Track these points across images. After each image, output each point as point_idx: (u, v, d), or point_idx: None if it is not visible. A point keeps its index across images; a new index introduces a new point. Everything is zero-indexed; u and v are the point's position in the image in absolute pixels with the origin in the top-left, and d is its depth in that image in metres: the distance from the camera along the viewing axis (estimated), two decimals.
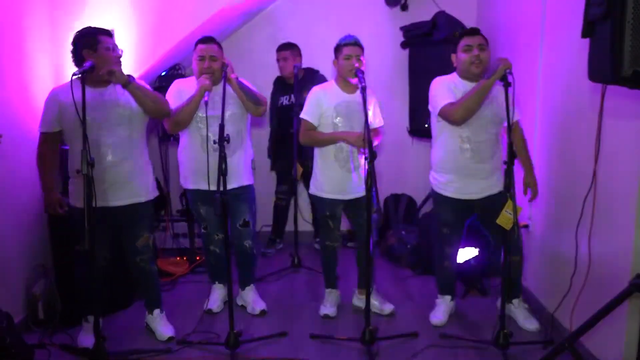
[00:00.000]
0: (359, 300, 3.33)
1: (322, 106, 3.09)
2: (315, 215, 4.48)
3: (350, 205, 3.21)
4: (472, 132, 2.93)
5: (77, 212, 2.85)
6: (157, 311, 3.10)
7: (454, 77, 3.03)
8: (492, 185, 3.00)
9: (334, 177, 3.13)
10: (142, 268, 3.01)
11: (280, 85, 4.39)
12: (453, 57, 3.02)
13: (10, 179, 2.99)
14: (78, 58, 2.74)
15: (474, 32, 2.96)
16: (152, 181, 3.01)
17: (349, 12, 4.70)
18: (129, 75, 2.75)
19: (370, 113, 3.03)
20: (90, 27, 2.77)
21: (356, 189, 3.13)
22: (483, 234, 3.80)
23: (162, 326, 3.07)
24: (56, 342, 2.92)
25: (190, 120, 3.04)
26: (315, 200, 3.30)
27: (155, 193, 3.03)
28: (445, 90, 2.96)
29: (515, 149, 2.72)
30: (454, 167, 3.00)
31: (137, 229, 2.94)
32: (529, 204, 3.33)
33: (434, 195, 3.16)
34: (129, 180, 2.84)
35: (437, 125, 3.05)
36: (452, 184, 3.02)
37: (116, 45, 2.81)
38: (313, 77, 4.16)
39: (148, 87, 2.90)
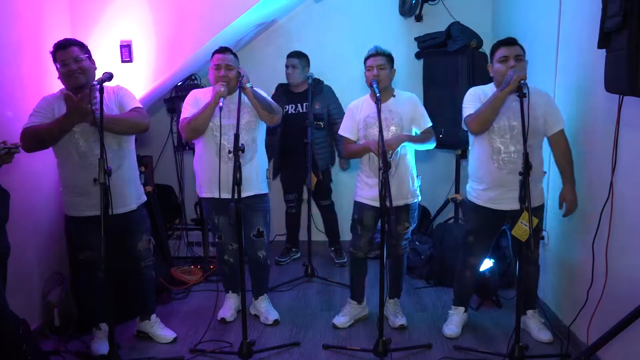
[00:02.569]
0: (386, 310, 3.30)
1: (355, 120, 3.17)
2: None
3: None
4: (503, 143, 2.89)
5: (71, 222, 2.87)
6: (153, 316, 3.14)
7: (489, 87, 3.01)
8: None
9: (368, 183, 3.15)
10: (145, 274, 3.03)
11: (284, 92, 4.30)
12: (489, 67, 3.00)
13: (28, 188, 3.03)
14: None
15: (511, 42, 2.89)
16: (140, 186, 3.06)
17: (363, 22, 4.72)
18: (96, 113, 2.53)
19: (409, 117, 3.12)
20: (53, 46, 2.71)
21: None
22: (499, 245, 3.77)
23: (162, 330, 3.12)
24: (71, 349, 2.95)
25: (206, 127, 3.07)
26: (354, 205, 3.28)
27: (145, 197, 3.06)
28: (471, 100, 2.95)
29: (557, 161, 2.92)
30: (486, 176, 2.97)
31: (136, 234, 2.97)
32: (545, 216, 3.29)
33: (466, 203, 3.16)
34: (122, 189, 2.85)
35: (471, 135, 3.05)
36: (486, 192, 2.98)
37: (72, 58, 2.67)
38: (318, 87, 4.19)
39: (118, 114, 2.79)
